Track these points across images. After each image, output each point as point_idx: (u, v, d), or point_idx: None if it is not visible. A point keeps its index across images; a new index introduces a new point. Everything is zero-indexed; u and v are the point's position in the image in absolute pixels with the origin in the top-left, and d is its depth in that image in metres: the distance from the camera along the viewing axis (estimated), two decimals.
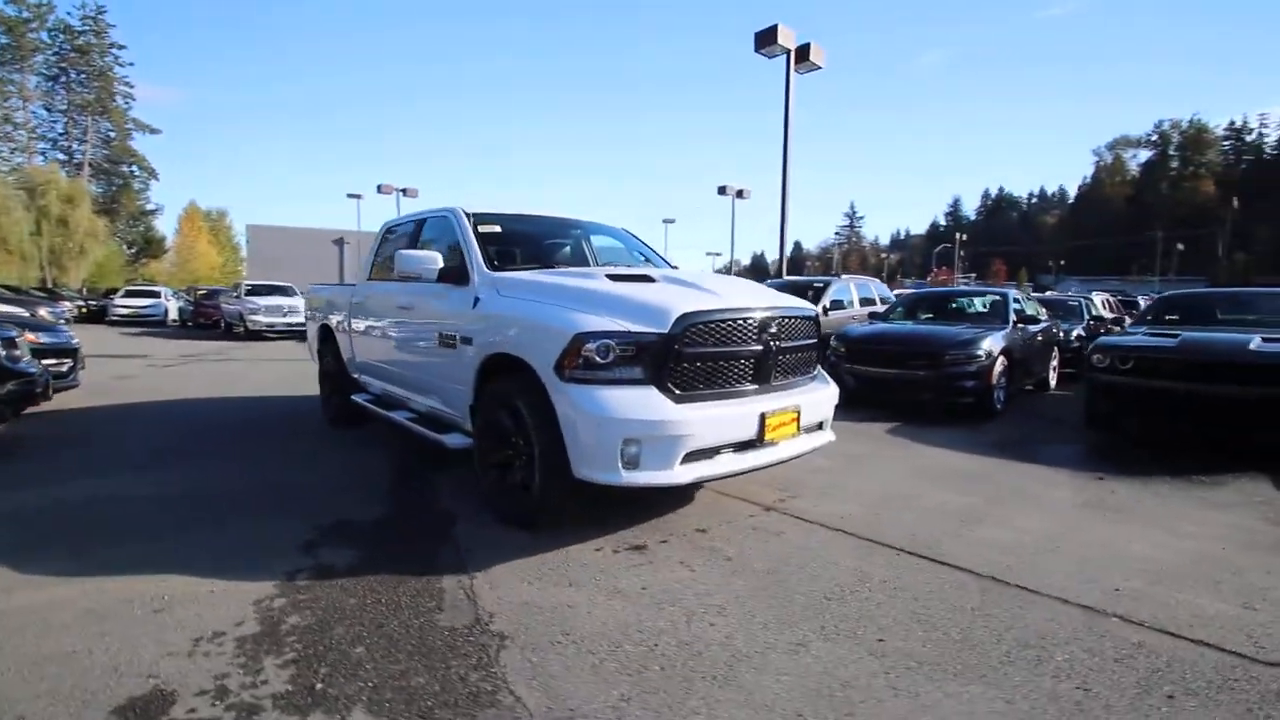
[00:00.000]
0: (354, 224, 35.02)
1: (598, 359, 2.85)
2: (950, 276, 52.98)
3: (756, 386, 3.24)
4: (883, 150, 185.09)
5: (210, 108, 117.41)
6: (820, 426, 3.67)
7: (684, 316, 2.93)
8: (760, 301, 3.30)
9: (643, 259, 4.92)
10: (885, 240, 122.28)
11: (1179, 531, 3.44)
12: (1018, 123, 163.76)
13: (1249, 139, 78.63)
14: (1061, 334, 9.44)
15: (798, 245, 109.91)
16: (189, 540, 3.20)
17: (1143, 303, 18.52)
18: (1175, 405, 5.18)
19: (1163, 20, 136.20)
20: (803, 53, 12.88)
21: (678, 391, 2.93)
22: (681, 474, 2.87)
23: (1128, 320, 13.68)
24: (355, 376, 5.53)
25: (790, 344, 3.39)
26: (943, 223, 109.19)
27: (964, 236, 58.74)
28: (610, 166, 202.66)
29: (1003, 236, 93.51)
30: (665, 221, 38.69)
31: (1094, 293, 14.87)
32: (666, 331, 2.88)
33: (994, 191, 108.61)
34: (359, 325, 5.23)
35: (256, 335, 17.83)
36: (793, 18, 12.28)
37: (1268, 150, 75.90)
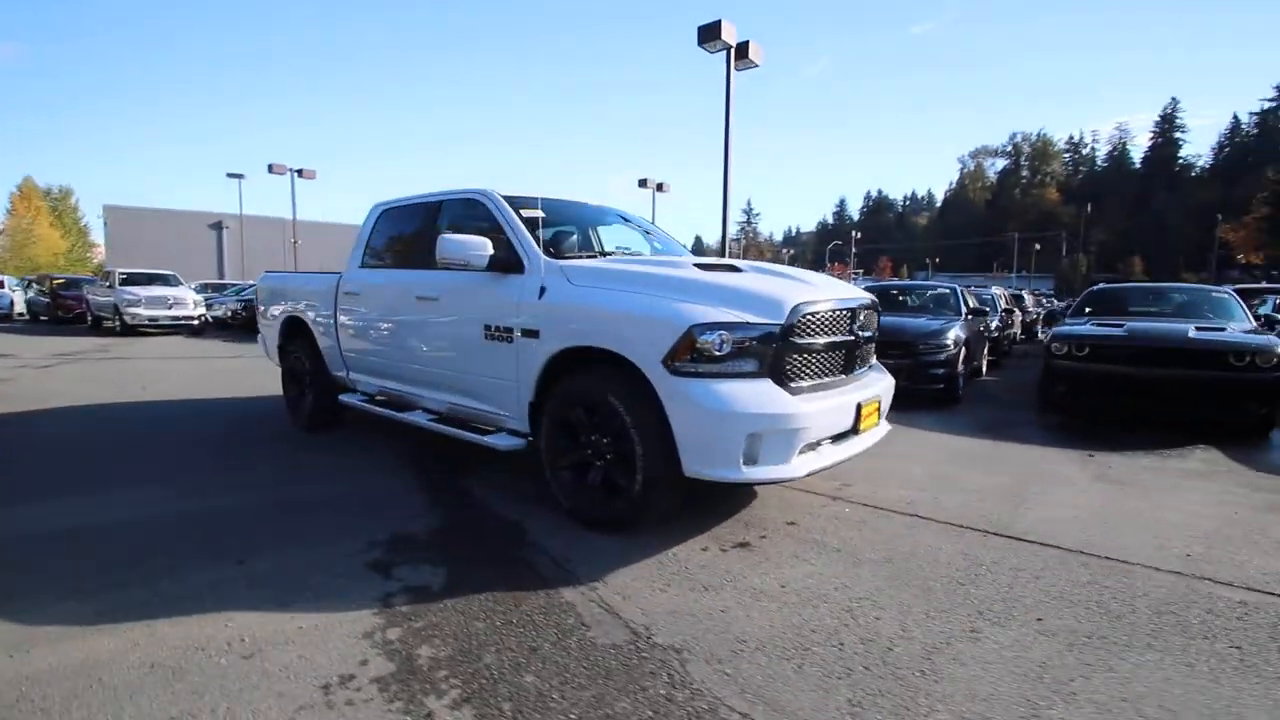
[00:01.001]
0: (234, 207, 31.78)
1: (715, 351, 2.72)
2: (845, 271, 56.47)
3: (844, 377, 3.24)
4: (776, 151, 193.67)
5: (51, 66, 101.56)
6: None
7: (797, 307, 2.86)
8: (847, 292, 3.30)
9: (662, 248, 4.79)
10: (779, 237, 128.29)
11: (1187, 499, 3.83)
12: (894, 129, 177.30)
13: (1085, 152, 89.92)
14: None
15: (699, 240, 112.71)
16: (221, 570, 2.73)
17: (1028, 298, 20.70)
18: (1127, 387, 5.79)
19: (1019, 38, 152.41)
20: (742, 50, 13.16)
21: (791, 384, 2.87)
22: (798, 467, 2.81)
23: (1020, 313, 15.24)
24: (340, 375, 5.00)
25: (867, 334, 3.43)
26: (830, 221, 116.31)
27: (858, 235, 62.78)
28: (518, 150, 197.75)
29: (882, 235, 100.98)
30: None
31: (993, 287, 16.37)
32: (783, 322, 2.81)
33: (874, 193, 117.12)
34: (352, 318, 4.71)
35: (134, 330, 15.75)
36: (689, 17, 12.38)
37: (1099, 163, 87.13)
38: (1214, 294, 7.22)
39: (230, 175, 28.91)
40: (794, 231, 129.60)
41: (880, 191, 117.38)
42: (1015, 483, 4.10)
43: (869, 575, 2.71)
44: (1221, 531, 3.29)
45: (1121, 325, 6.23)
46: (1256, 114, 67.87)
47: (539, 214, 3.81)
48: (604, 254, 4.17)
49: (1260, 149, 63.50)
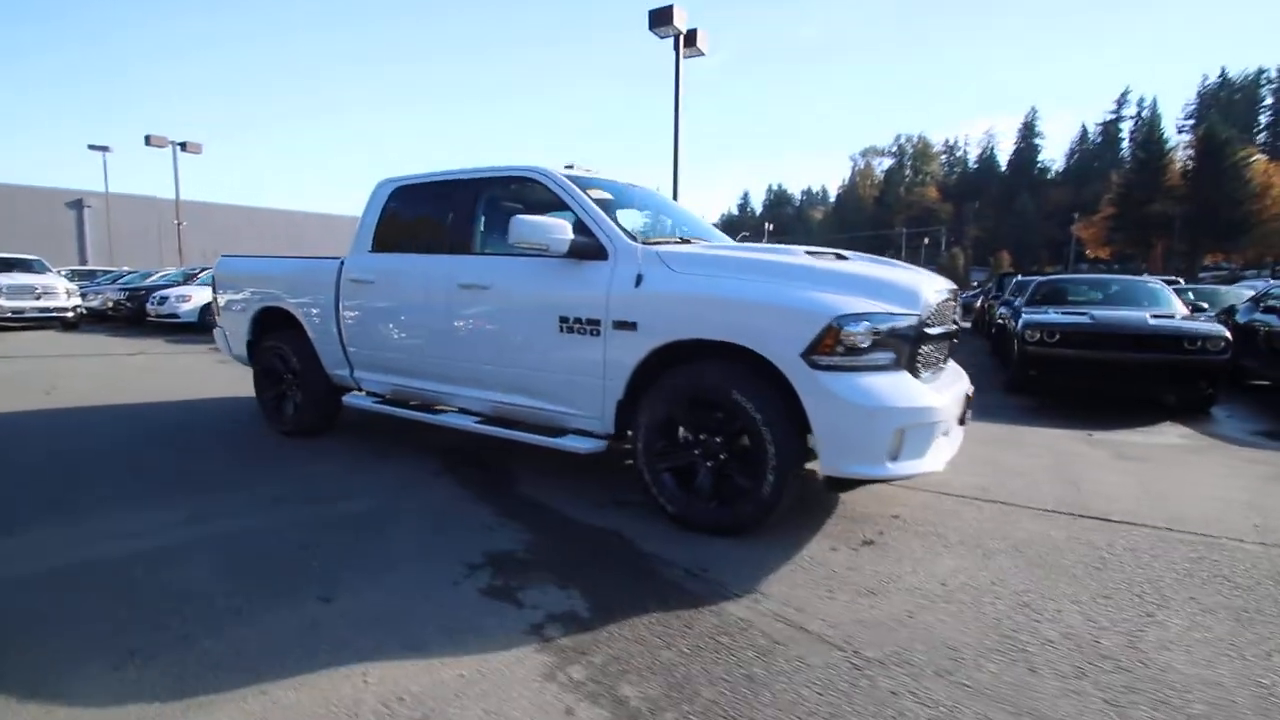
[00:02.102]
0: (99, 183, 27.89)
1: (859, 344, 2.60)
2: None
3: (944, 367, 3.23)
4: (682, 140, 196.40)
5: None
6: None
7: (929, 298, 2.79)
8: (945, 281, 3.28)
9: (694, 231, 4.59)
10: None
11: (1202, 474, 4.17)
12: (792, 126, 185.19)
13: (959, 154, 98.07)
14: None
15: None
16: (303, 609, 2.29)
17: None
18: (1095, 369, 6.29)
19: (902, 43, 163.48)
20: (690, 37, 13.09)
21: (920, 376, 2.80)
22: (934, 460, 2.76)
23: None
24: (340, 374, 4.42)
25: (959, 324, 3.44)
26: (735, 213, 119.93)
27: (770, 227, 65.03)
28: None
29: (783, 228, 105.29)
30: None
31: None
32: (921, 313, 2.73)
33: (775, 188, 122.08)
34: (362, 309, 4.16)
35: None
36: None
37: (971, 164, 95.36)
38: (1149, 285, 8.01)
39: (93, 148, 25.24)
40: None
41: (780, 186, 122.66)
42: (1054, 464, 4.30)
43: (1011, 566, 2.70)
44: (1258, 503, 3.58)
45: (1086, 314, 6.75)
46: (1101, 124, 76.88)
47: (606, 195, 3.53)
48: (683, 239, 3.92)
49: (1104, 155, 72.02)
